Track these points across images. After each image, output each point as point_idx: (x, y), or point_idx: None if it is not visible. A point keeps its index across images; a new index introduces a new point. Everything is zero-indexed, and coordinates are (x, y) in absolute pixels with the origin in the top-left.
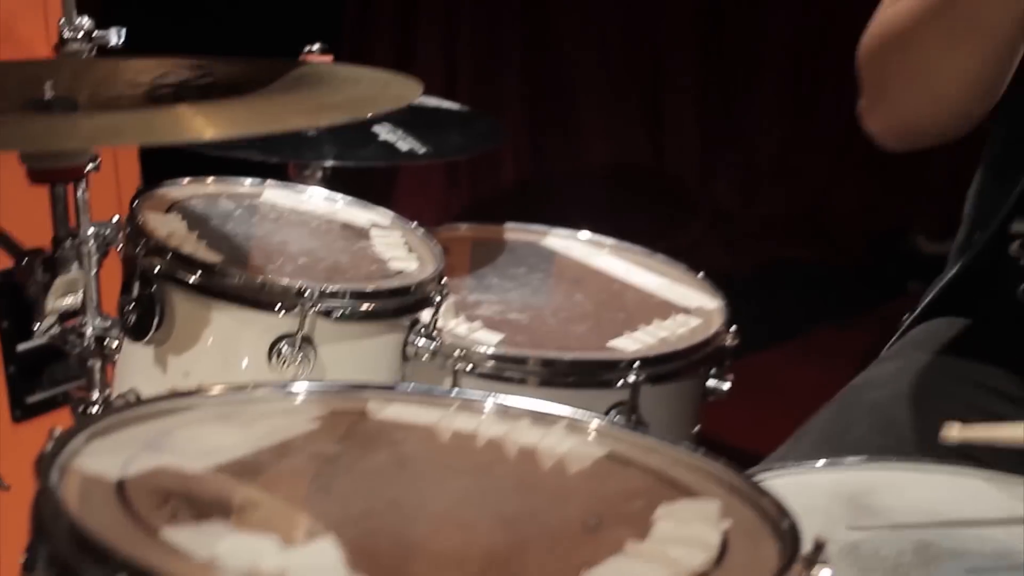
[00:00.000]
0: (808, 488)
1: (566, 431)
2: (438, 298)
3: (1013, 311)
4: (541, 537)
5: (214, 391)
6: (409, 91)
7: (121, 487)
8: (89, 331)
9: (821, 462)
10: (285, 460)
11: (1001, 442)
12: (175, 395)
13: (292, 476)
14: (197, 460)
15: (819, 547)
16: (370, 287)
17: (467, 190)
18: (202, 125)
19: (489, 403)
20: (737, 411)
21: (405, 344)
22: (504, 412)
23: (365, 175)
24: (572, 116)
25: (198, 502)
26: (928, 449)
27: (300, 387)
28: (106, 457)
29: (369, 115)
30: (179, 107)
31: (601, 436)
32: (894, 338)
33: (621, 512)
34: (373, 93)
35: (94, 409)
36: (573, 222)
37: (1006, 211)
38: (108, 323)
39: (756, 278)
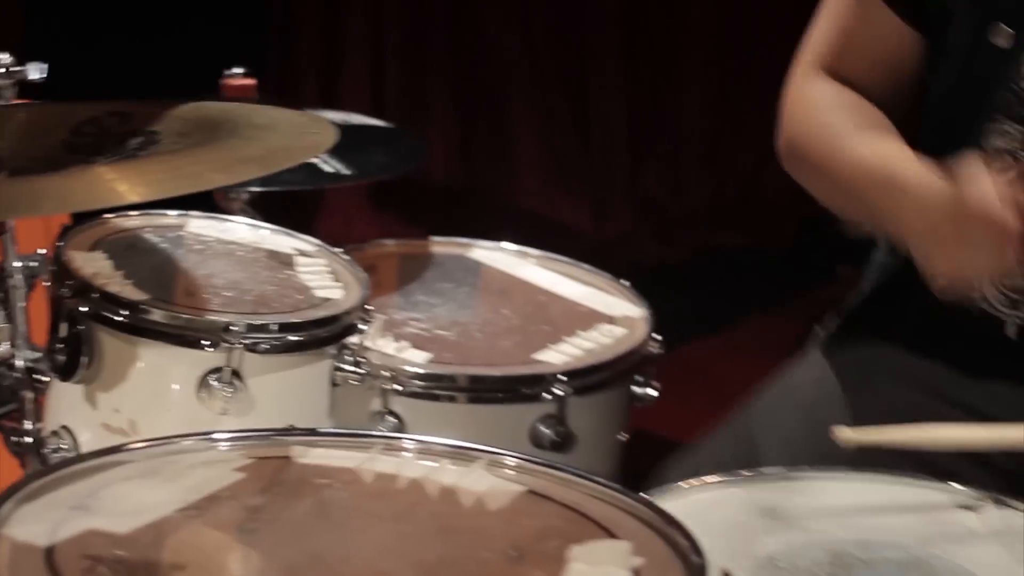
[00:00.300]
0: (727, 501)
1: (486, 468)
2: (364, 325)
3: (932, 309)
4: None
5: (139, 445)
6: (323, 139)
7: (50, 554)
8: (19, 363)
9: (740, 473)
10: (211, 515)
11: (892, 445)
12: (100, 452)
13: (218, 533)
14: (125, 520)
15: None
16: (296, 318)
17: (398, 198)
18: (124, 190)
19: (411, 442)
20: (671, 404)
21: (333, 370)
22: (426, 451)
23: (294, 192)
24: (501, 114)
25: (125, 567)
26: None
27: (224, 436)
28: (35, 523)
29: (284, 167)
30: (100, 170)
31: (520, 472)
32: (814, 341)
33: (537, 551)
34: (288, 143)
35: (26, 440)
36: (506, 222)
37: None
38: (38, 355)
39: (687, 267)
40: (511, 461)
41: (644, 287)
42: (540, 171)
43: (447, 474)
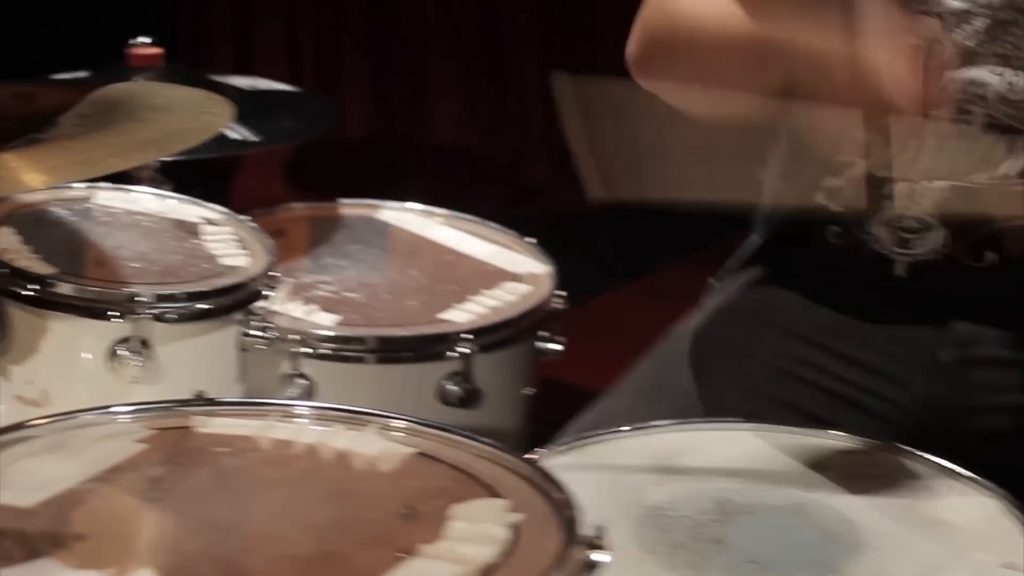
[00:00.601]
0: (621, 453)
1: (378, 432)
2: (269, 291)
3: (824, 254)
4: (349, 543)
5: (42, 421)
6: (219, 119)
7: None
8: None
9: (629, 428)
10: (114, 486)
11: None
12: (4, 429)
13: (120, 503)
14: (30, 494)
15: (599, 533)
16: (202, 287)
17: (316, 155)
18: (29, 178)
19: (306, 409)
20: (587, 353)
21: (242, 336)
22: (321, 416)
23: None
24: (417, 70)
25: (30, 540)
26: (741, 396)
27: (125, 408)
28: None
29: (181, 150)
30: (4, 157)
31: (411, 434)
32: (709, 294)
33: (423, 511)
34: (184, 125)
35: None
36: (425, 176)
37: (813, 172)
38: None
39: (605, 216)
40: (402, 424)
41: (563, 236)
42: (458, 125)
43: (341, 438)
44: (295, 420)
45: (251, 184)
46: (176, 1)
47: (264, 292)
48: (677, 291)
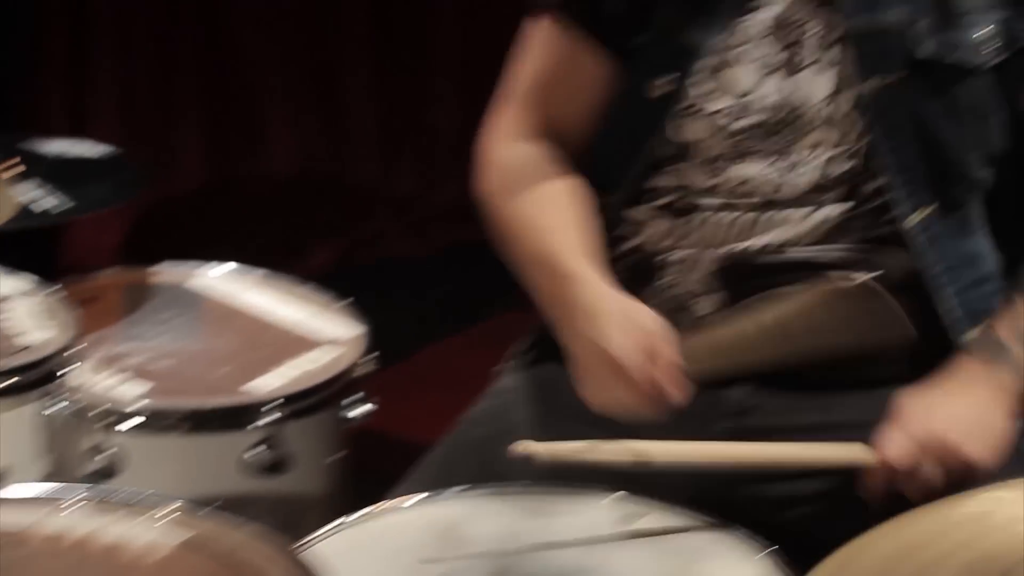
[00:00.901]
0: (398, 529)
1: (151, 520)
2: (71, 365)
3: None
4: None
5: None
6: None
7: None
8: None
9: (417, 498)
10: None
11: (569, 459)
12: None
13: None
14: None
15: None
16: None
17: (150, 204)
18: None
19: (82, 498)
20: (419, 405)
21: (45, 411)
22: (97, 505)
23: None
24: (253, 121)
25: None
26: (528, 479)
27: None
28: None
29: None
30: None
31: (182, 521)
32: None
33: None
34: None
35: None
36: (259, 228)
37: None
38: None
39: (441, 264)
40: (175, 510)
41: (396, 286)
42: (294, 178)
43: (115, 528)
44: (71, 510)
45: (83, 236)
46: (6, 60)
47: (63, 370)
48: (505, 340)
